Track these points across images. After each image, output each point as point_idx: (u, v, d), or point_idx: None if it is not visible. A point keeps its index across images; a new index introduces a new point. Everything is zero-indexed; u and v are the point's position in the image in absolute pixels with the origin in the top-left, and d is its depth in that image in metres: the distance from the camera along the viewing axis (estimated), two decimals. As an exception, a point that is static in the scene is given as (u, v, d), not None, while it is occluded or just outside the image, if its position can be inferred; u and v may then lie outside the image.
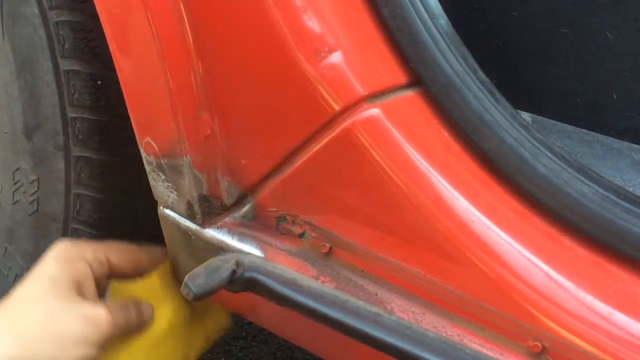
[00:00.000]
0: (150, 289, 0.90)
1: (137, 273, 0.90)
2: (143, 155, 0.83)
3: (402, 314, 0.73)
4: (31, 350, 0.76)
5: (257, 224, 0.81)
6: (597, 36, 0.84)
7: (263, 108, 0.77)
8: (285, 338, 0.91)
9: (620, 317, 0.64)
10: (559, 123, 0.87)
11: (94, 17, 0.81)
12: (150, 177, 0.85)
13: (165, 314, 0.90)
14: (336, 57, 0.72)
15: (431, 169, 0.71)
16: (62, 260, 0.83)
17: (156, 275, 0.90)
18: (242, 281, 0.77)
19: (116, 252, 0.87)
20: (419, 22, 0.71)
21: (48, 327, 0.77)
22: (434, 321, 0.72)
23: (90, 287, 0.83)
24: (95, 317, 0.80)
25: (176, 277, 0.91)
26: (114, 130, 0.95)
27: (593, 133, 0.86)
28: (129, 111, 0.82)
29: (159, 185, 0.84)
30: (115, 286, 0.89)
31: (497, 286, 0.68)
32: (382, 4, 0.72)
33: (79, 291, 0.81)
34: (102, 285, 0.87)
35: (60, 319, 0.78)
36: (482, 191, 0.70)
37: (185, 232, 0.84)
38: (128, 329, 0.85)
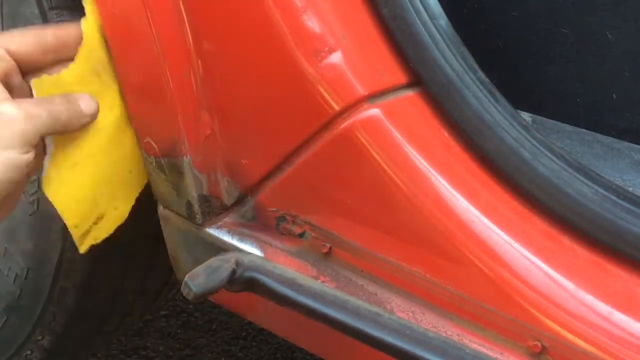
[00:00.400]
0: (82, 75, 0.78)
1: (52, 58, 0.77)
2: (143, 155, 0.84)
3: (402, 313, 0.73)
4: None
5: (257, 224, 0.81)
6: (597, 36, 0.84)
7: (263, 108, 0.77)
8: (285, 338, 0.91)
9: (620, 317, 0.64)
10: (559, 123, 0.87)
11: (94, 17, 0.81)
12: (150, 177, 0.85)
13: (111, 100, 0.81)
14: (336, 57, 0.72)
15: (431, 169, 0.71)
16: None
17: (83, 58, 0.78)
18: (242, 281, 0.77)
19: (14, 39, 0.75)
20: (418, 22, 0.71)
21: None
22: (433, 321, 0.72)
23: None
24: (3, 116, 0.69)
25: (177, 277, 0.91)
26: (114, 130, 0.94)
27: (593, 133, 0.86)
28: (128, 111, 0.82)
29: (159, 185, 0.84)
30: (39, 83, 0.76)
31: (497, 286, 0.68)
32: (382, 4, 0.72)
33: None
34: (15, 83, 0.76)
35: None
36: (482, 191, 0.71)
37: (185, 232, 0.85)
38: (60, 124, 0.74)
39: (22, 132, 0.70)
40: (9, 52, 0.74)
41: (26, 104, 0.72)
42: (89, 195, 0.82)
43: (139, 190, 0.87)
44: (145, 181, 0.86)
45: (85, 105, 0.77)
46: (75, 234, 0.82)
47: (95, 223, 0.84)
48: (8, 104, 0.71)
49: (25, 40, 0.75)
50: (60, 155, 0.79)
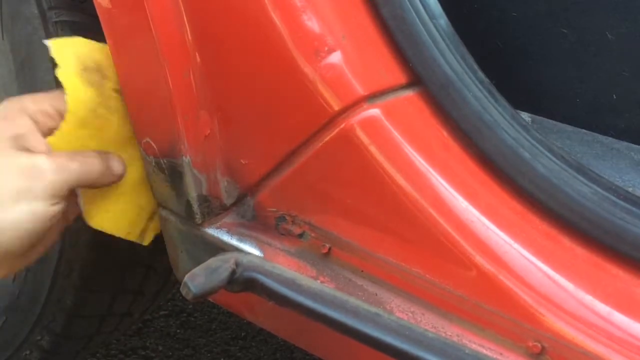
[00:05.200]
0: (81, 120, 0.79)
1: None
2: (142, 155, 0.83)
3: (402, 314, 0.73)
4: None
5: (257, 224, 0.81)
6: (597, 36, 0.84)
7: (262, 108, 0.77)
8: (285, 338, 0.91)
9: (619, 317, 0.64)
10: (559, 123, 0.87)
11: (94, 17, 0.81)
12: (149, 177, 0.85)
13: (135, 160, 0.84)
14: (336, 57, 0.72)
15: (430, 169, 0.71)
16: (0, 114, 0.76)
17: (73, 104, 0.78)
18: (242, 281, 0.77)
19: (62, 100, 0.78)
20: (418, 22, 0.71)
21: None
22: (433, 321, 0.72)
23: (37, 141, 0.75)
24: (34, 166, 0.72)
25: (176, 277, 0.91)
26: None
27: (593, 133, 0.86)
28: (128, 111, 0.82)
29: (159, 186, 0.84)
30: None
31: (496, 286, 0.68)
32: (382, 4, 0.72)
33: (21, 146, 0.73)
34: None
35: None
36: (481, 191, 0.70)
37: (184, 232, 0.84)
38: (90, 179, 0.77)
39: (51, 184, 0.72)
40: (57, 111, 0.77)
41: (61, 158, 0.74)
42: (133, 208, 0.85)
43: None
44: None
45: (116, 165, 0.80)
46: (131, 238, 0.86)
47: (149, 220, 0.87)
48: (43, 157, 0.73)
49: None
50: (91, 191, 0.81)
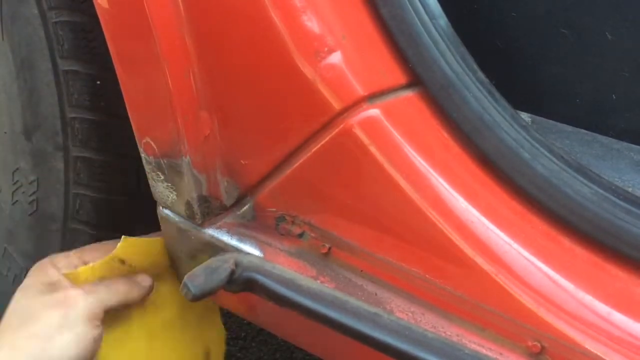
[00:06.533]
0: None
1: None
2: (142, 155, 0.83)
3: (401, 314, 0.73)
4: (21, 350, 0.76)
5: (257, 224, 0.81)
6: (597, 36, 0.84)
7: (262, 108, 0.77)
8: (285, 338, 0.91)
9: (619, 317, 0.64)
10: (559, 123, 0.87)
11: (94, 17, 0.81)
12: (149, 177, 0.85)
13: (173, 291, 0.89)
14: (336, 58, 0.72)
15: (430, 170, 0.71)
16: (33, 270, 0.84)
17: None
18: (241, 281, 0.77)
19: (90, 253, 0.86)
20: (418, 22, 0.71)
21: (25, 324, 0.78)
22: (433, 321, 0.72)
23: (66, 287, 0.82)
24: (67, 297, 0.79)
25: (177, 277, 0.91)
26: (113, 131, 0.95)
27: (592, 133, 0.86)
28: (128, 111, 0.82)
29: (159, 186, 0.84)
30: (75, 275, 0.86)
31: (496, 286, 0.68)
32: (382, 4, 0.72)
33: (53, 291, 0.81)
34: None
35: (33, 312, 0.79)
36: (481, 192, 0.71)
37: (184, 232, 0.84)
38: (120, 296, 0.83)
39: (84, 307, 0.79)
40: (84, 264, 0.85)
41: (87, 286, 0.82)
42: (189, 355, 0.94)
43: (218, 312, 0.98)
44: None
45: (142, 279, 0.86)
46: None
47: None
48: (70, 288, 0.81)
49: (99, 255, 0.86)
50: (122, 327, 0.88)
